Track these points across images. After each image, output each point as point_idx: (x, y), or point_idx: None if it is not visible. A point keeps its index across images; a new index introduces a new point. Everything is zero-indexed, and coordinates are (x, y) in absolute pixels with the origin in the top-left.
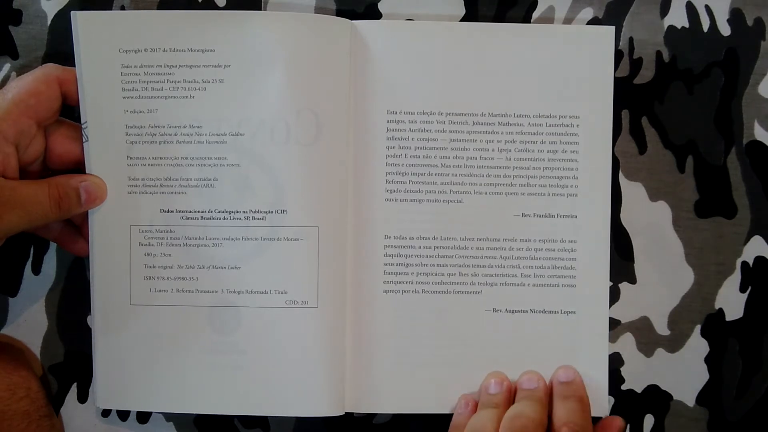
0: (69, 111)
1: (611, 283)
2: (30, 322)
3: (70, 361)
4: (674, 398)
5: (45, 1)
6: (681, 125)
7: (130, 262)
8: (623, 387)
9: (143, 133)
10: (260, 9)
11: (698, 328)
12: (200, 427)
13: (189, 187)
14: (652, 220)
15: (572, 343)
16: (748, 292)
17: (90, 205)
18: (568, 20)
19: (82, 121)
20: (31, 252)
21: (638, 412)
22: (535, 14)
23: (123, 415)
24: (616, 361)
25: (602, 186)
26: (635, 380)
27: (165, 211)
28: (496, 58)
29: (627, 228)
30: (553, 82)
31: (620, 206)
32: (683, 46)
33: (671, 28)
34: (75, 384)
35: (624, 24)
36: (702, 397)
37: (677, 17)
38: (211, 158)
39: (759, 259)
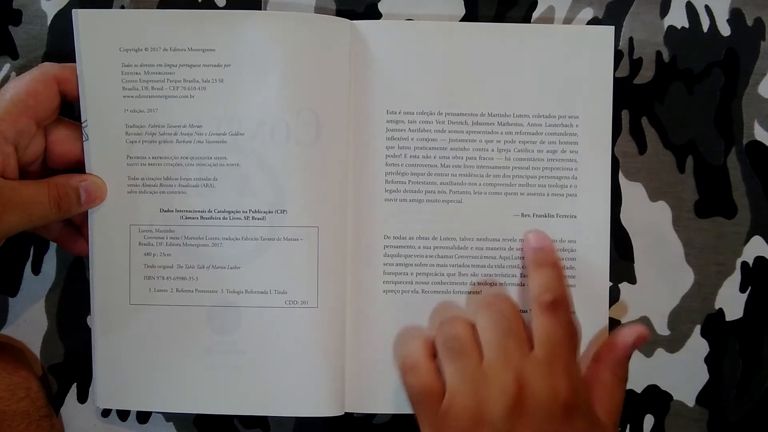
0: (69, 110)
1: (611, 283)
2: (30, 322)
3: (70, 361)
4: (674, 398)
5: (45, 1)
6: (681, 125)
7: (130, 261)
8: None
9: (143, 133)
10: (260, 9)
11: (698, 328)
12: (200, 427)
13: (189, 186)
14: (652, 220)
15: None
16: (748, 292)
17: (90, 204)
18: (568, 20)
19: (82, 120)
20: (31, 252)
21: (638, 412)
22: (535, 14)
23: (123, 415)
24: None
25: (602, 186)
26: (635, 380)
27: (165, 211)
28: (496, 58)
29: (627, 228)
30: (553, 82)
31: (620, 206)
32: (683, 46)
33: (671, 28)
34: (75, 384)
35: (624, 24)
36: (702, 397)
37: (677, 17)
38: (211, 158)
39: (759, 259)
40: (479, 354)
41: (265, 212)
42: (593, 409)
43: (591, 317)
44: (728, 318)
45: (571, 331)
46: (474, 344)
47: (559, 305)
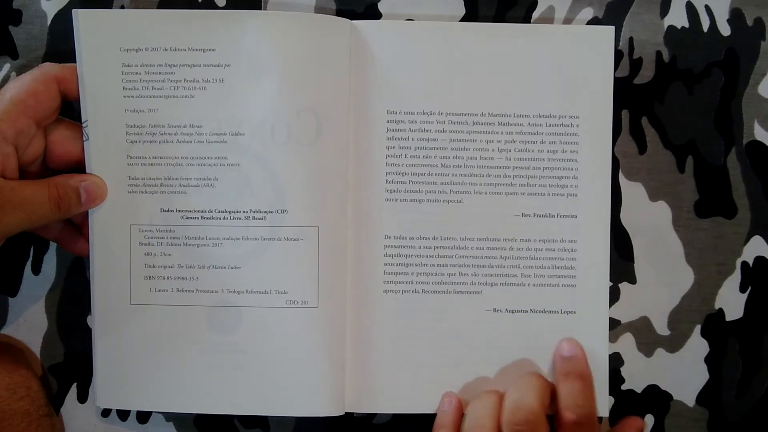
0: (69, 110)
1: (611, 283)
2: (30, 322)
3: (70, 361)
4: (674, 398)
5: (45, 1)
6: (681, 125)
7: (131, 261)
8: (623, 387)
9: (143, 133)
10: (260, 9)
11: (698, 328)
12: (200, 427)
13: (189, 186)
14: (652, 220)
15: None
16: (748, 292)
17: (90, 204)
18: (568, 20)
19: (83, 120)
20: (31, 252)
21: (638, 412)
22: (535, 14)
23: (123, 415)
24: (616, 361)
25: (602, 186)
26: (635, 380)
27: (165, 211)
28: (496, 58)
29: (627, 228)
30: (553, 82)
31: (620, 206)
32: (683, 46)
33: (671, 28)
34: (75, 384)
35: (624, 24)
36: (702, 397)
37: (677, 17)
38: (212, 158)
39: (759, 259)
40: None
41: (265, 212)
42: None
43: (591, 317)
44: (728, 318)
45: None
46: None
47: (582, 425)
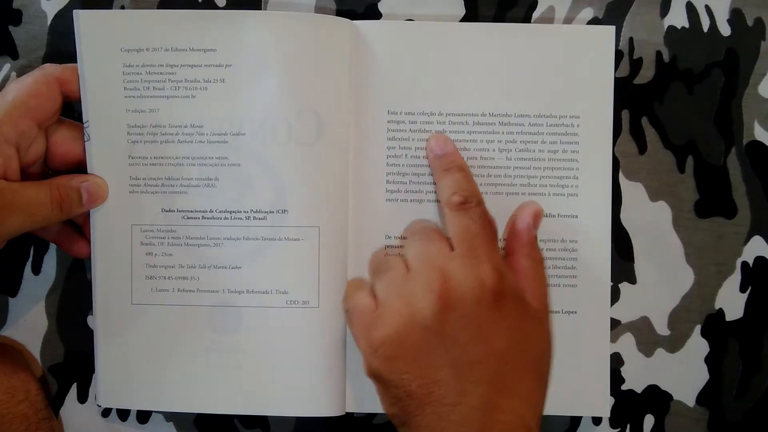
0: (70, 110)
1: (611, 283)
2: (30, 323)
3: (70, 362)
4: (674, 398)
5: (45, 1)
6: (681, 125)
7: (132, 261)
8: (623, 387)
9: (145, 133)
10: (260, 9)
11: (698, 328)
12: (200, 426)
13: (190, 186)
14: (652, 220)
15: (573, 343)
16: (748, 292)
17: (91, 205)
18: (568, 20)
19: (84, 121)
20: (31, 252)
21: (638, 412)
22: (535, 14)
23: (123, 414)
24: (616, 361)
25: (602, 186)
26: (635, 380)
27: (166, 211)
28: (496, 58)
29: (627, 228)
30: (553, 82)
31: (620, 206)
32: (683, 46)
33: (671, 28)
34: (75, 384)
35: (624, 24)
36: (702, 397)
37: (677, 17)
38: (212, 158)
39: (759, 259)
40: (405, 267)
41: (266, 212)
42: (522, 294)
43: (592, 317)
44: (728, 318)
45: (485, 223)
46: (400, 261)
47: (470, 203)
